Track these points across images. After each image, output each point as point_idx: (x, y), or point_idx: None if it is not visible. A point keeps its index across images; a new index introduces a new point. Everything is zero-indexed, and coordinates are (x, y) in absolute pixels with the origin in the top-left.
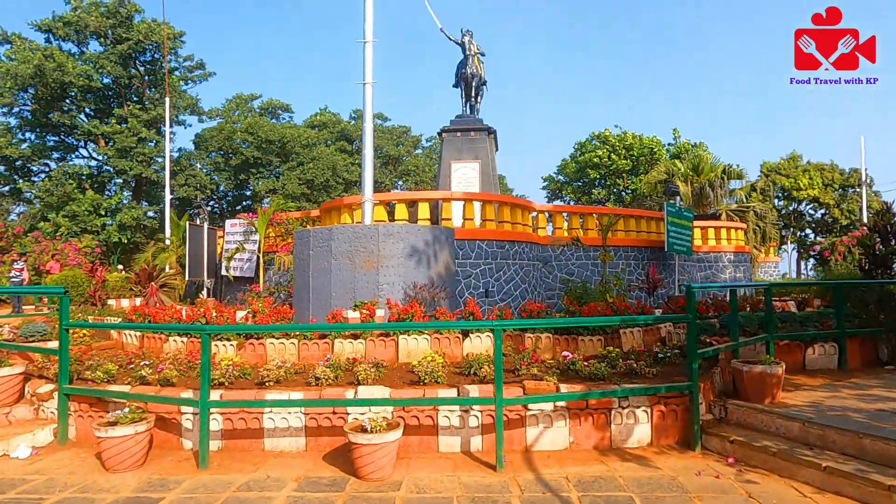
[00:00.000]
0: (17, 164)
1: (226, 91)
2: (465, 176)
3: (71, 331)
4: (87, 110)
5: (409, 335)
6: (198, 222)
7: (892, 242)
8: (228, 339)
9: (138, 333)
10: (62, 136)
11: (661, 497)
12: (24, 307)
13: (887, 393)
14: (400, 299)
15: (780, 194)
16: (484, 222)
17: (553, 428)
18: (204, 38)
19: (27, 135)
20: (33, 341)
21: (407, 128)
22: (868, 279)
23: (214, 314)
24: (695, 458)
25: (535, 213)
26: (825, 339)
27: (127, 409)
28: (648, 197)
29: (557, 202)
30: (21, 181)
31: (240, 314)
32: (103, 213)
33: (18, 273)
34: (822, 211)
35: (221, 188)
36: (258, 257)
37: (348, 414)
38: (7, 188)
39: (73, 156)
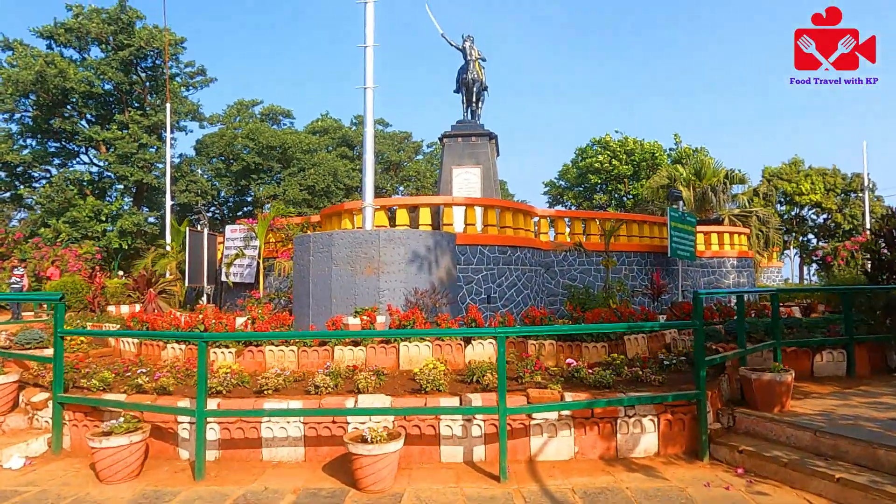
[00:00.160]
0: (18, 170)
1: (227, 97)
2: (466, 181)
3: (68, 338)
4: (88, 116)
5: (410, 342)
6: (198, 228)
7: None
8: (227, 347)
9: (136, 340)
10: (63, 142)
11: None
12: (23, 314)
13: None
14: (401, 305)
15: (782, 199)
16: (486, 227)
17: (558, 437)
18: (205, 44)
19: (28, 141)
20: (29, 348)
21: (408, 133)
22: (874, 284)
23: (213, 321)
24: (703, 468)
25: (537, 219)
26: (833, 346)
27: (122, 419)
28: (650, 202)
29: (559, 207)
30: (22, 187)
31: (239, 321)
32: (104, 218)
33: (18, 279)
34: (825, 216)
35: (222, 194)
36: (258, 263)
37: (348, 423)
38: (8, 194)
39: (74, 162)
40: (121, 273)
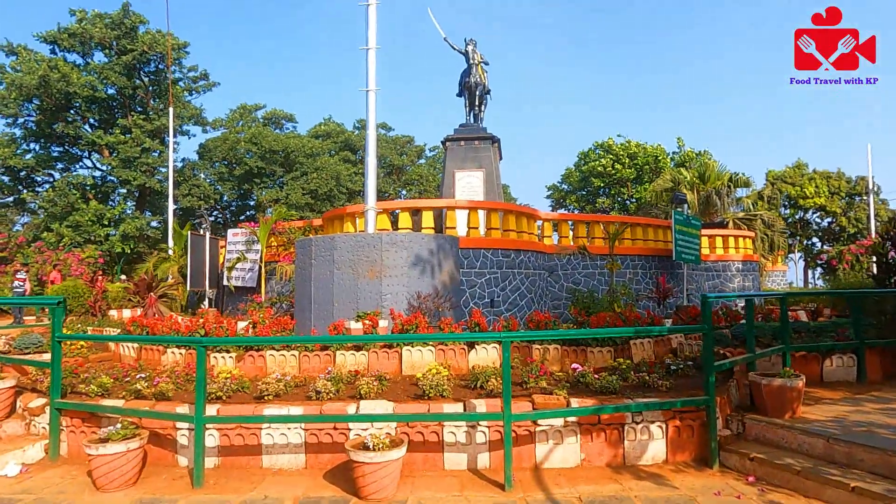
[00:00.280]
0: (21, 174)
1: (230, 101)
2: (469, 185)
3: (68, 342)
4: (91, 121)
5: (413, 347)
6: (201, 232)
7: None
8: (228, 351)
9: (136, 345)
10: (66, 147)
11: None
12: (25, 318)
13: None
14: (404, 309)
15: (786, 203)
16: (489, 231)
17: (564, 444)
18: (208, 48)
19: (32, 145)
20: (28, 353)
21: (410, 137)
22: (881, 287)
23: (214, 325)
24: (713, 476)
25: (540, 222)
26: (843, 351)
27: (119, 425)
28: (654, 206)
29: (562, 211)
30: (25, 191)
31: (241, 325)
32: (107, 223)
33: (21, 283)
34: (829, 219)
35: (225, 198)
36: (260, 267)
37: (350, 430)
38: (11, 198)
39: (77, 166)
40: (123, 277)
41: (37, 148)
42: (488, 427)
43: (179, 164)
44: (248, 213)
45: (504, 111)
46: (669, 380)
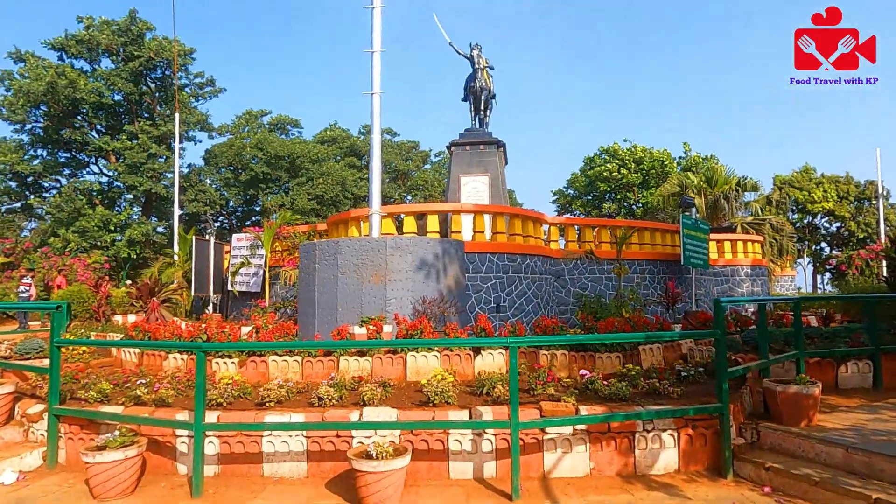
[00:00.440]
0: (28, 180)
1: (236, 107)
2: (474, 190)
3: (70, 347)
4: (98, 127)
5: (417, 352)
6: (205, 237)
7: None
8: (230, 357)
9: (137, 350)
10: (73, 153)
11: None
12: (30, 323)
13: None
14: (408, 314)
15: (794, 207)
16: (495, 235)
17: (572, 453)
18: (214, 55)
19: (39, 151)
20: (29, 359)
21: (416, 143)
22: (894, 292)
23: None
24: (727, 486)
25: (546, 226)
26: (858, 357)
27: (117, 433)
28: (661, 210)
29: (567, 216)
30: (32, 197)
31: (244, 330)
32: (113, 228)
33: (26, 288)
34: (838, 224)
35: (231, 203)
36: (264, 272)
37: (353, 437)
38: (19, 204)
39: (84, 172)
40: (129, 282)
41: (44, 154)
42: (495, 435)
43: (185, 170)
44: (253, 218)
45: (510, 116)
46: (680, 386)
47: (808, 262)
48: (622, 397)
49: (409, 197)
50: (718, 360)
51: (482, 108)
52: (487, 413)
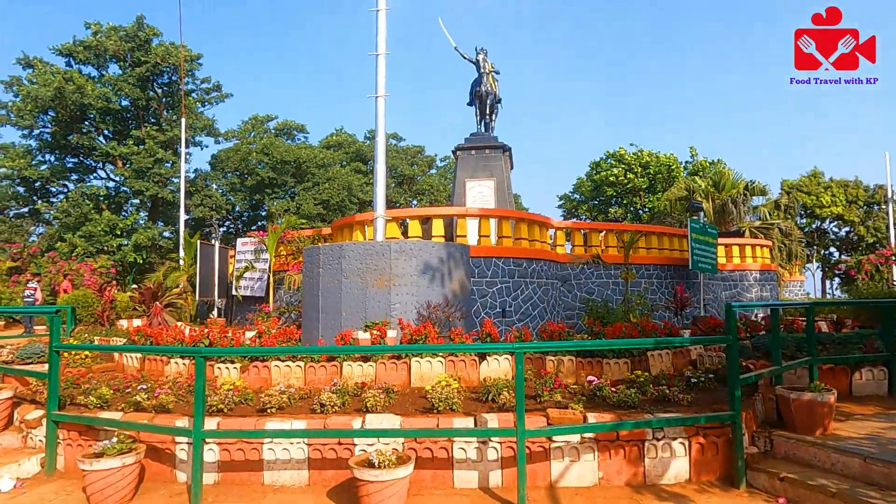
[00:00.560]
0: (36, 185)
1: (242, 112)
2: (480, 194)
3: (71, 352)
4: (105, 132)
5: (422, 358)
6: (211, 241)
7: None
8: (232, 362)
9: (139, 355)
10: (81, 158)
11: None
12: (36, 328)
13: None
14: (413, 319)
15: (802, 212)
16: (500, 239)
17: (580, 461)
18: (221, 60)
19: (47, 156)
20: (30, 363)
21: (421, 147)
22: None
23: (219, 335)
24: (740, 497)
25: (553, 231)
26: (873, 363)
27: (115, 439)
28: (668, 214)
29: (574, 220)
30: (40, 202)
31: (248, 335)
32: (119, 233)
33: (32, 293)
34: (847, 228)
35: (237, 208)
36: (269, 276)
37: (355, 445)
38: (27, 209)
39: (91, 177)
40: (135, 287)
41: (52, 159)
42: (500, 443)
43: (192, 175)
44: (259, 223)
45: (515, 121)
46: (690, 393)
47: (817, 267)
48: (631, 404)
49: (415, 202)
50: (730, 366)
51: (488, 112)
52: (493, 420)
